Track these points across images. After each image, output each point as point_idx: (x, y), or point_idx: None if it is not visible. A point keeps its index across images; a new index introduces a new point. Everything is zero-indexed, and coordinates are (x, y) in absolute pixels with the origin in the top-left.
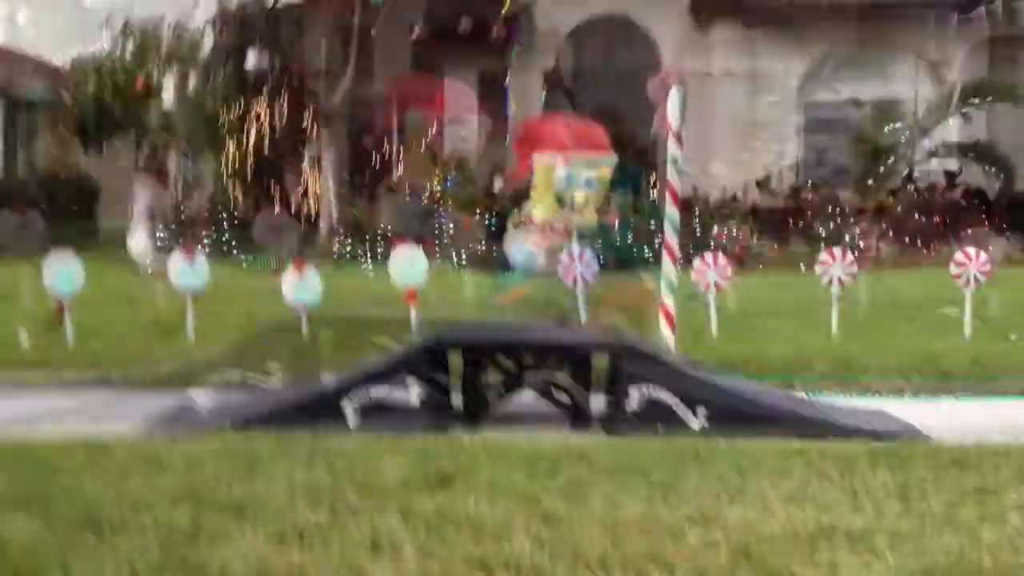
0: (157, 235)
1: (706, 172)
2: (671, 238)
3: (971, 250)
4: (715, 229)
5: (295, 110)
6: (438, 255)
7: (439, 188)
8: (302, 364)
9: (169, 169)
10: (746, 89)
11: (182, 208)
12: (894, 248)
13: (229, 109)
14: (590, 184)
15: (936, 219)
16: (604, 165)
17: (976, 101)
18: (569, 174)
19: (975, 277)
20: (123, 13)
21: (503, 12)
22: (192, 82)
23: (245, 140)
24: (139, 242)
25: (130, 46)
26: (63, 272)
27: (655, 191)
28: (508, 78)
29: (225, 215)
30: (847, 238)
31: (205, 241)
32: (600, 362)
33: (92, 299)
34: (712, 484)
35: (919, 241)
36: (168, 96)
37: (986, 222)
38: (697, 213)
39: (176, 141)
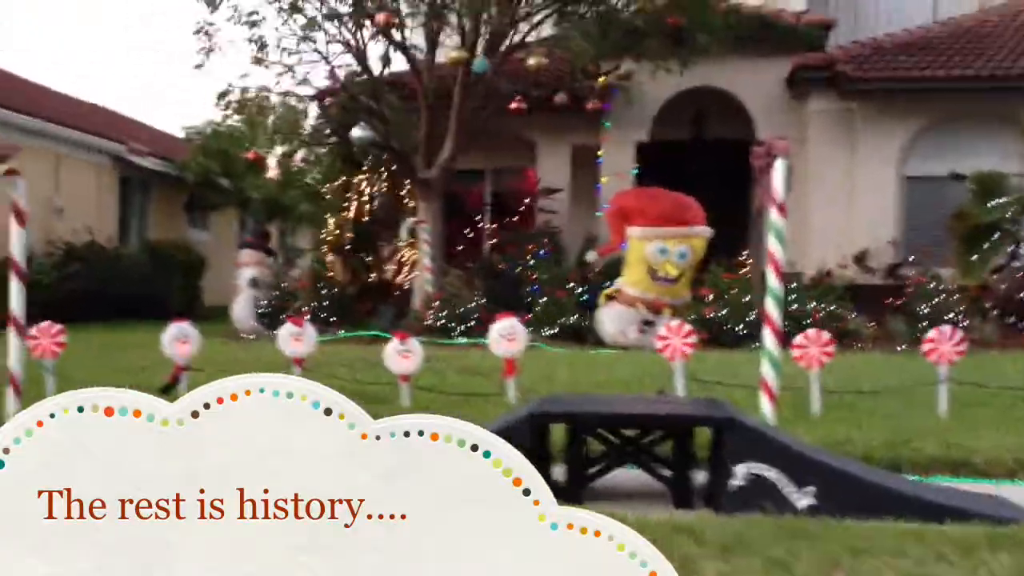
0: (259, 305)
1: (801, 246)
2: (773, 312)
3: None
4: (812, 304)
5: (394, 182)
6: (531, 328)
7: (531, 260)
8: None
9: (272, 240)
10: (843, 162)
11: (283, 280)
12: (997, 328)
13: (333, 182)
14: (683, 257)
15: None
16: (698, 238)
17: None
18: (662, 247)
19: None
20: (236, 85)
21: (598, 85)
22: (298, 155)
23: (346, 212)
24: (242, 311)
25: (240, 118)
26: (181, 338)
27: (750, 265)
28: (601, 150)
29: (324, 286)
30: (949, 317)
31: (305, 311)
32: (703, 437)
33: (200, 364)
34: (827, 564)
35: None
36: (273, 169)
37: None
38: (793, 288)
39: (280, 214)
